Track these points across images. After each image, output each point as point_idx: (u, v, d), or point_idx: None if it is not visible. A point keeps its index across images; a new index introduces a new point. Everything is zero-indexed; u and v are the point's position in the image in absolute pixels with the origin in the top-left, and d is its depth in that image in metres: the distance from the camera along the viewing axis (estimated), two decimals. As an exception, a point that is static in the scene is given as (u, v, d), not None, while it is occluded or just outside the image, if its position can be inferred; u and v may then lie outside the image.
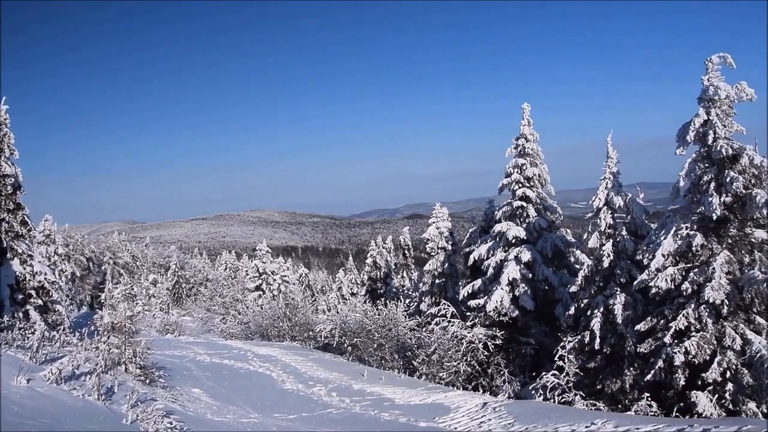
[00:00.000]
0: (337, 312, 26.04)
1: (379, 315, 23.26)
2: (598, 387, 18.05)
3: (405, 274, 49.27)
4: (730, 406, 14.74)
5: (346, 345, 24.12)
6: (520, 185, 23.17)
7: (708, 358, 14.95)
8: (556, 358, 17.68)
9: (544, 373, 17.84)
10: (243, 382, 18.13)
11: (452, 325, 21.49)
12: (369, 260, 47.99)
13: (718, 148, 15.30)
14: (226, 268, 73.21)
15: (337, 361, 22.90)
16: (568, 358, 17.53)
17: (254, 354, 23.00)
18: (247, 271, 55.26)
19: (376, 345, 22.74)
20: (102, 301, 49.15)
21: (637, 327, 16.56)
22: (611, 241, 18.82)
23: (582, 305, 19.15)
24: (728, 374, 14.88)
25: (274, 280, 48.38)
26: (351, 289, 58.78)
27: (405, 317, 23.42)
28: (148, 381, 14.11)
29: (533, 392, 18.27)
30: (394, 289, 44.05)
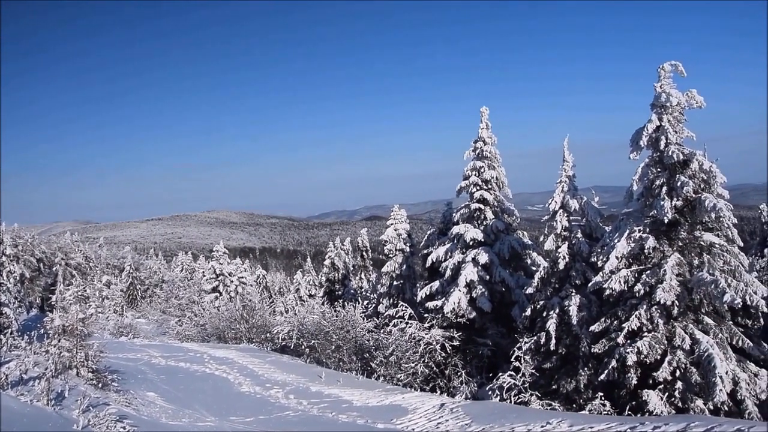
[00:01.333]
0: (295, 314, 25.95)
1: (337, 317, 23.21)
2: (554, 387, 18.32)
3: (363, 276, 49.23)
4: (679, 404, 15.12)
5: (303, 347, 24.03)
6: (478, 188, 23.35)
7: (659, 357, 15.31)
8: (512, 359, 17.91)
9: (500, 373, 18.04)
10: (199, 385, 17.93)
11: (410, 327, 21.56)
12: (327, 262, 47.83)
13: (670, 153, 15.70)
14: (182, 270, 72.12)
15: (294, 363, 22.81)
16: (524, 358, 17.77)
17: (211, 356, 22.76)
18: (203, 272, 54.52)
19: (334, 347, 22.70)
20: (53, 303, 47.96)
21: (592, 328, 16.87)
22: (567, 243, 19.12)
23: (538, 307, 19.42)
24: (678, 373, 15.26)
25: (231, 281, 47.85)
26: (309, 290, 58.49)
27: (363, 319, 23.42)
28: (100, 385, 13.86)
29: (490, 393, 18.44)
30: (352, 291, 43.98)
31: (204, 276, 51.52)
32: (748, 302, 14.56)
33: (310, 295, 51.35)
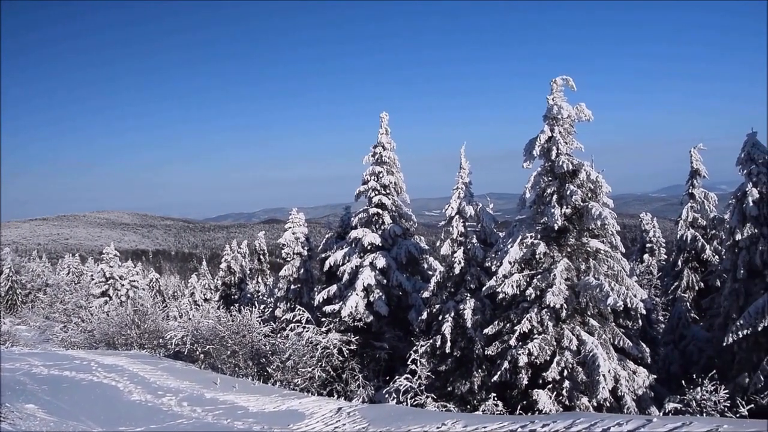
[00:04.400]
0: (190, 318, 25.22)
1: (233, 321, 22.76)
2: (449, 389, 18.75)
3: (260, 280, 48.64)
4: (567, 402, 15.86)
5: (198, 352, 23.42)
6: (377, 192, 23.56)
7: (548, 358, 15.97)
8: (409, 362, 18.17)
9: (397, 377, 18.27)
10: (85, 395, 17.10)
11: (307, 331, 21.47)
12: (223, 265, 46.92)
13: (561, 163, 16.45)
14: (69, 273, 68.69)
15: (188, 370, 22.18)
16: (420, 361, 18.07)
17: (98, 364, 21.76)
18: (92, 275, 52.30)
19: (229, 352, 22.25)
20: None
21: (486, 331, 17.38)
22: (462, 248, 19.60)
23: (434, 310, 19.79)
24: (565, 372, 15.99)
25: (122, 285, 46.10)
26: (204, 294, 57.22)
27: (260, 323, 23.09)
28: (-33, 400, 12.97)
29: (387, 396, 18.63)
30: (248, 295, 43.36)
31: (93, 279, 49.46)
32: (629, 305, 15.44)
33: (206, 299, 50.25)
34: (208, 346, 22.76)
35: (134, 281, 48.10)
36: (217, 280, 50.79)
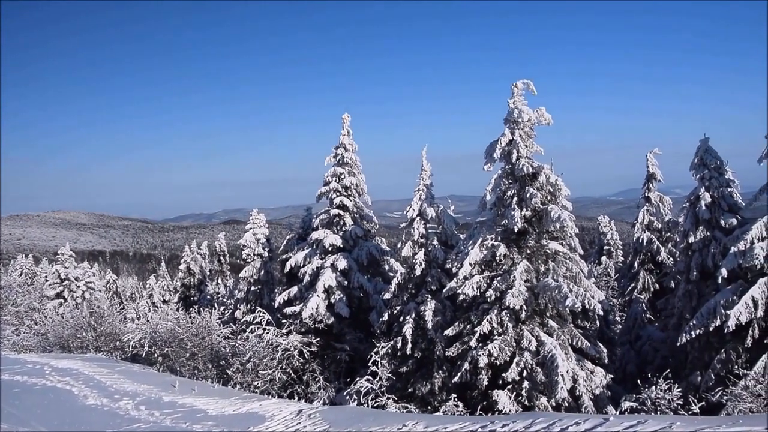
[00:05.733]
0: (148, 320, 24.82)
1: (192, 323, 22.48)
2: (410, 390, 18.81)
3: (220, 281, 48.17)
4: (526, 402, 16.05)
5: (156, 355, 23.08)
6: (338, 194, 23.54)
7: (508, 359, 16.14)
8: (370, 364, 18.16)
9: (358, 378, 18.25)
10: (37, 400, 16.68)
11: (268, 333, 21.30)
12: (183, 266, 46.27)
13: (521, 166, 16.66)
14: (21, 274, 66.85)
15: (146, 373, 21.84)
16: (381, 363, 18.09)
17: (52, 368, 21.27)
18: (46, 276, 51.09)
19: (188, 354, 21.98)
20: None
21: (446, 332, 17.49)
22: (423, 250, 19.68)
23: (395, 312, 19.84)
24: (525, 373, 16.18)
25: (78, 286, 45.17)
26: (163, 296, 56.48)
27: (219, 325, 22.84)
28: None
29: (348, 398, 18.60)
30: (208, 297, 42.87)
31: (47, 281, 48.28)
32: (587, 306, 15.69)
33: (164, 301, 49.48)
34: (166, 349, 22.45)
35: (90, 283, 47.18)
36: (177, 281, 50.11)
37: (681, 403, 14.78)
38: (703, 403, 15.26)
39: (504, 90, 17.36)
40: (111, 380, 19.60)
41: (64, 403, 16.58)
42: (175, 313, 24.29)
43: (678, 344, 17.75)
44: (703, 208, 18.12)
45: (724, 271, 16.35)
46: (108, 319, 29.49)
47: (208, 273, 48.11)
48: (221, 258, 49.18)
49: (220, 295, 43.12)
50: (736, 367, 15.55)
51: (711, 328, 16.63)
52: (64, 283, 45.18)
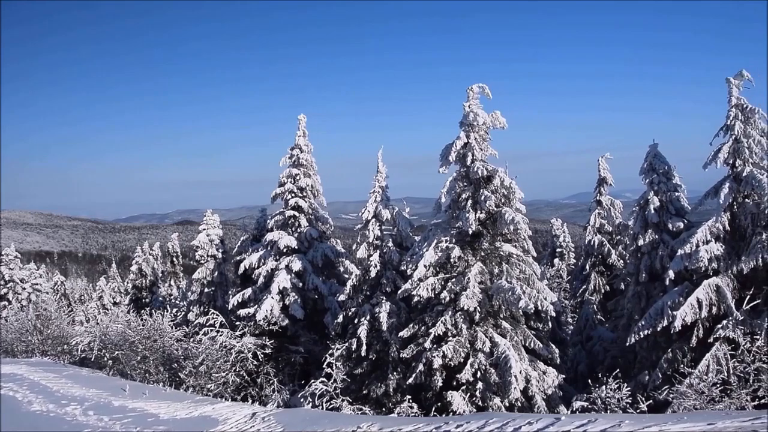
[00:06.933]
0: (98, 323, 24.30)
1: (143, 325, 22.08)
2: (365, 392, 18.80)
3: (173, 283, 47.34)
4: (480, 403, 16.21)
5: (106, 359, 22.61)
6: (293, 195, 23.41)
7: (462, 360, 16.28)
8: (324, 366, 18.12)
9: (313, 380, 18.19)
10: (-23, 408, 16.16)
11: (221, 335, 21.05)
12: (134, 267, 45.45)
13: (475, 169, 16.82)
14: (-38, 276, 65.00)
15: (95, 377, 21.36)
16: (336, 365, 18.05)
17: (-6, 373, 20.67)
18: (-10, 278, 49.57)
19: (139, 357, 21.58)
20: None
21: (401, 333, 17.56)
22: (378, 252, 19.72)
23: (350, 314, 19.84)
24: (479, 374, 16.33)
25: (24, 288, 44.11)
26: (113, 298, 55.37)
27: (172, 327, 22.48)
28: None
29: (302, 400, 18.51)
30: (160, 298, 42.16)
31: (-10, 283, 46.89)
32: (540, 307, 15.93)
33: (115, 303, 48.53)
34: (116, 352, 22.03)
35: (37, 284, 46.11)
36: (128, 283, 49.22)
37: (630, 401, 15.06)
38: (651, 401, 15.55)
39: (462, 93, 17.53)
40: (58, 385, 19.13)
41: (6, 410, 16.07)
42: (126, 316, 23.86)
43: (627, 344, 18.10)
44: (652, 211, 18.55)
45: (671, 273, 16.74)
46: (55, 322, 28.84)
47: (160, 274, 47.33)
48: (174, 259, 48.32)
49: (172, 297, 42.44)
50: (682, 366, 15.90)
51: (659, 329, 16.99)
52: (8, 285, 44.09)
